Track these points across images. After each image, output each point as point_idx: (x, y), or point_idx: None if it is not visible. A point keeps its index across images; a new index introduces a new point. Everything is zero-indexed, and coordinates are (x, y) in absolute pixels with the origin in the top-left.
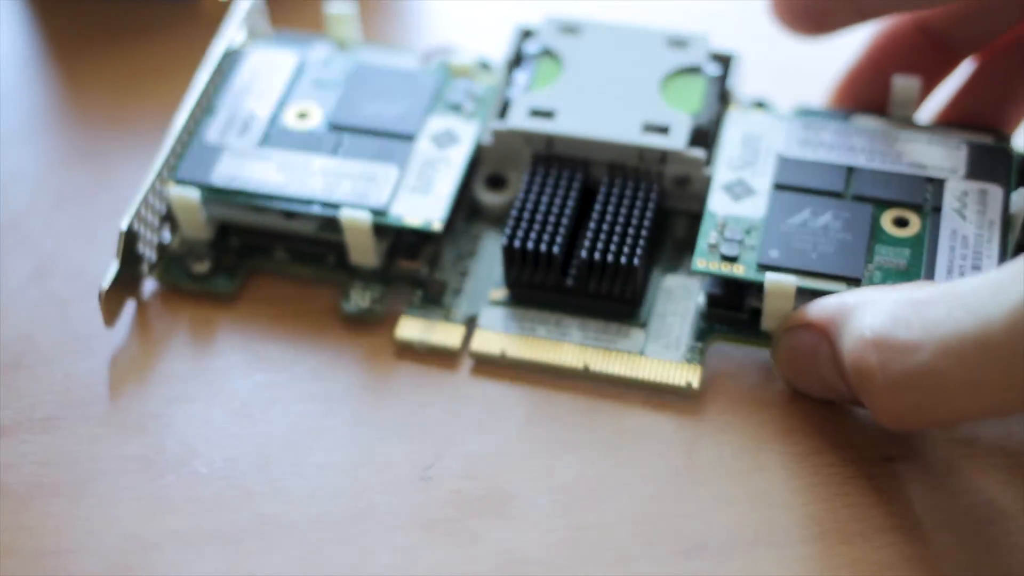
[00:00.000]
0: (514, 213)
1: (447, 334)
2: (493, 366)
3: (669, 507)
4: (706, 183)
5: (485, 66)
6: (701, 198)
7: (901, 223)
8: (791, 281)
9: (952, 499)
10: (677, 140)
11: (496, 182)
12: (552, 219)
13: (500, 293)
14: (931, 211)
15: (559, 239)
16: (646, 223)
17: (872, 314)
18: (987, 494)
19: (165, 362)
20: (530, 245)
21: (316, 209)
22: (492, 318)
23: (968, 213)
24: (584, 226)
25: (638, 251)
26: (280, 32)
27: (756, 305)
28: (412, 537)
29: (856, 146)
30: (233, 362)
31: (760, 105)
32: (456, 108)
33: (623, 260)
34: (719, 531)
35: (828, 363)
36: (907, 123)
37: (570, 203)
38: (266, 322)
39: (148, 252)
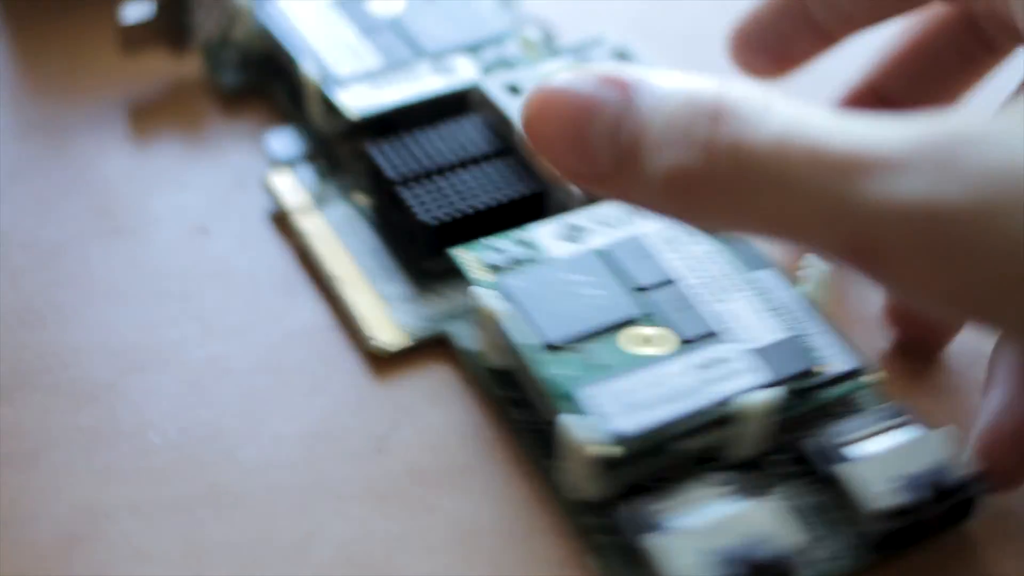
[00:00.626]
0: (405, 137)
1: (294, 198)
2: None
3: None
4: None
5: None
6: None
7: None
8: (496, 305)
9: None
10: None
11: None
12: (423, 157)
13: (363, 198)
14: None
15: (406, 170)
16: (485, 203)
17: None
18: None
19: (118, 333)
20: (379, 161)
21: None
22: (336, 210)
23: None
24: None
25: (443, 217)
26: None
27: None
28: (367, 508)
29: (705, 271)
30: (188, 333)
31: None
32: None
33: (424, 217)
34: None
35: (608, 128)
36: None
37: (449, 156)
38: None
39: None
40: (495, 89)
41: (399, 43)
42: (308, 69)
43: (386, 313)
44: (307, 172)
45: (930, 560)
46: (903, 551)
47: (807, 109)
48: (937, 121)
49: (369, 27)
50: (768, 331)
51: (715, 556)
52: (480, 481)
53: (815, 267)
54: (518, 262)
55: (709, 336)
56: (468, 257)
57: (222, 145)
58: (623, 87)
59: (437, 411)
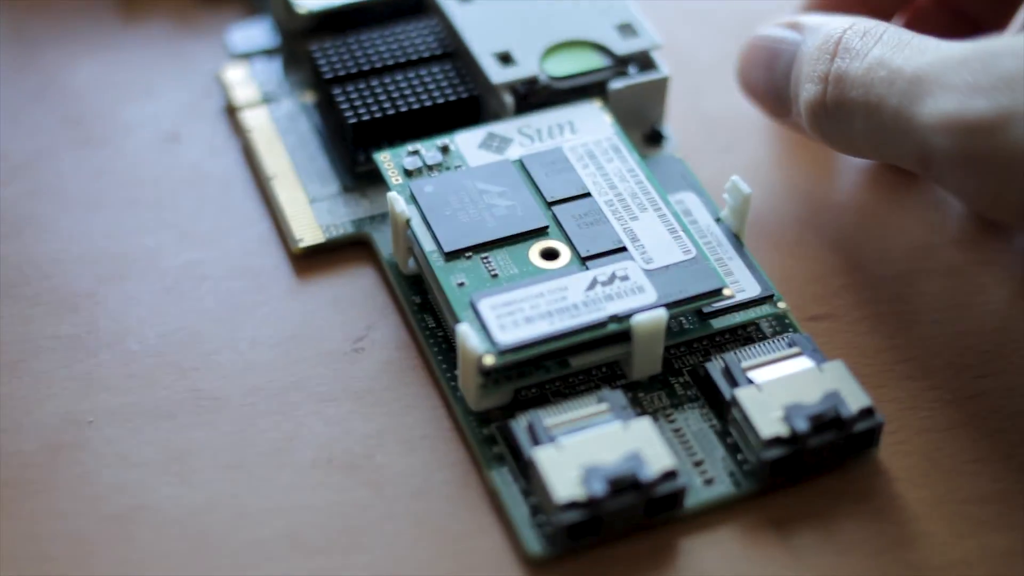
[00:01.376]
0: (349, 38)
1: (245, 93)
2: None
3: None
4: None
5: None
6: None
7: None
8: (403, 209)
9: (876, 356)
10: (502, 76)
11: None
12: (363, 58)
13: (311, 96)
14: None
15: (342, 71)
16: (415, 106)
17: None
18: (910, 351)
19: (94, 242)
20: (320, 61)
21: None
22: (283, 107)
23: None
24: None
25: (368, 116)
26: None
27: None
28: (344, 408)
29: (621, 187)
30: (164, 240)
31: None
32: None
33: (349, 116)
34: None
35: (786, 67)
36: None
37: (389, 58)
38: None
39: None
40: None
41: None
42: None
43: (310, 212)
44: (265, 67)
45: (826, 489)
46: (796, 481)
47: (899, 35)
48: (976, 41)
49: None
50: (675, 252)
51: (595, 473)
52: (392, 394)
53: (736, 193)
54: (433, 168)
55: (614, 252)
56: (387, 159)
57: (191, 50)
58: (800, 28)
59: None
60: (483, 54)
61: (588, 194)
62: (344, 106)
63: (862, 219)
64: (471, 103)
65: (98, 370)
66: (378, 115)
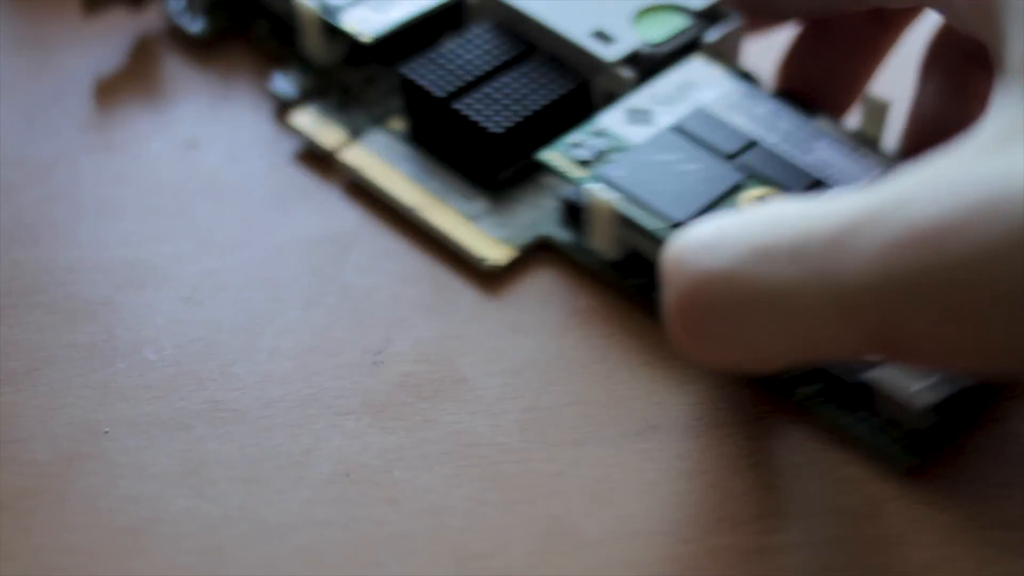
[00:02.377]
0: (431, 54)
1: (329, 135)
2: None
3: (620, 389)
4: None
5: None
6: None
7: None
8: (610, 196)
9: None
10: (613, 53)
11: None
12: (458, 70)
13: (398, 123)
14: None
15: (450, 87)
16: (540, 103)
17: None
18: None
19: (111, 250)
20: (422, 82)
21: None
22: (375, 140)
23: None
24: (483, 86)
25: (508, 124)
26: None
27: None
28: (363, 421)
29: (778, 128)
30: (182, 248)
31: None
32: None
33: (489, 126)
34: (670, 412)
35: None
36: (863, 138)
37: (483, 64)
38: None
39: None
40: None
41: None
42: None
43: (480, 230)
44: (319, 107)
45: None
46: (943, 448)
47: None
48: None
49: None
50: (863, 171)
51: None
52: (411, 409)
53: (869, 102)
54: (604, 153)
55: (817, 185)
56: (557, 158)
57: (212, 55)
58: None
59: (434, 321)
60: (581, 37)
61: (755, 143)
62: (477, 118)
63: None
64: (582, 90)
65: (114, 379)
66: (516, 119)
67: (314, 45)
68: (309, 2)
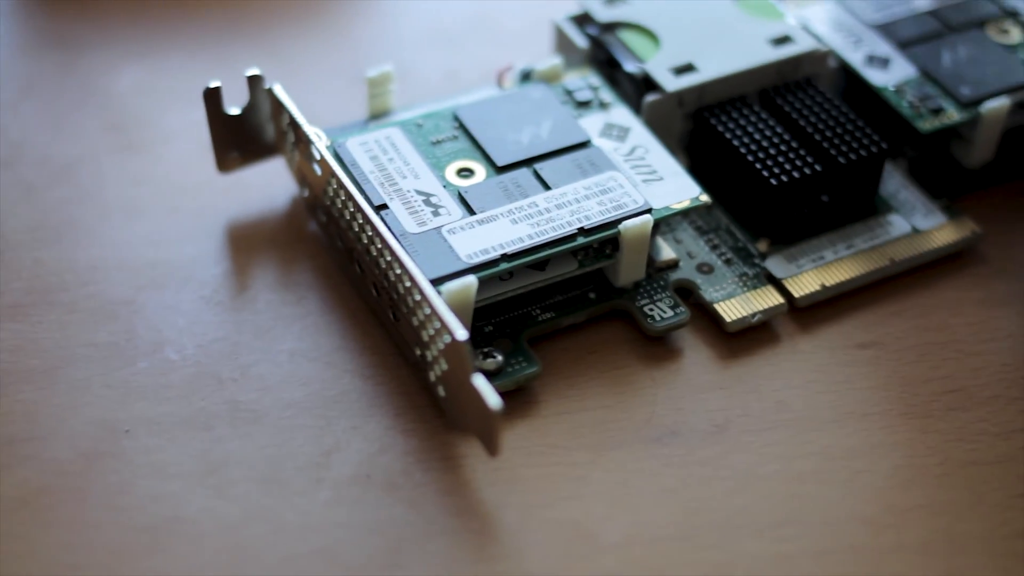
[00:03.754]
0: (749, 159)
1: (765, 299)
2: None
3: (641, 395)
4: (831, 76)
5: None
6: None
7: (1004, 31)
8: (1003, 102)
9: (922, 386)
10: (806, 42)
11: None
12: (782, 148)
13: (764, 244)
14: (1015, 15)
15: (809, 159)
16: (852, 113)
17: None
18: (957, 381)
19: (134, 249)
20: (795, 174)
21: (584, 239)
22: (779, 266)
23: None
24: (804, 142)
25: (875, 136)
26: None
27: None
28: (384, 423)
29: None
30: (204, 248)
31: None
32: (587, 104)
33: (873, 149)
34: (690, 418)
35: None
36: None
37: (778, 129)
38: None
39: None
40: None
41: (548, 166)
42: (629, 224)
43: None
44: None
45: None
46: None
47: None
48: None
49: (502, 189)
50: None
51: None
52: (432, 411)
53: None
54: None
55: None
56: None
57: (234, 57)
58: None
59: None
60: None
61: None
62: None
63: None
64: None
65: (135, 379)
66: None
67: (639, 264)
68: (635, 221)
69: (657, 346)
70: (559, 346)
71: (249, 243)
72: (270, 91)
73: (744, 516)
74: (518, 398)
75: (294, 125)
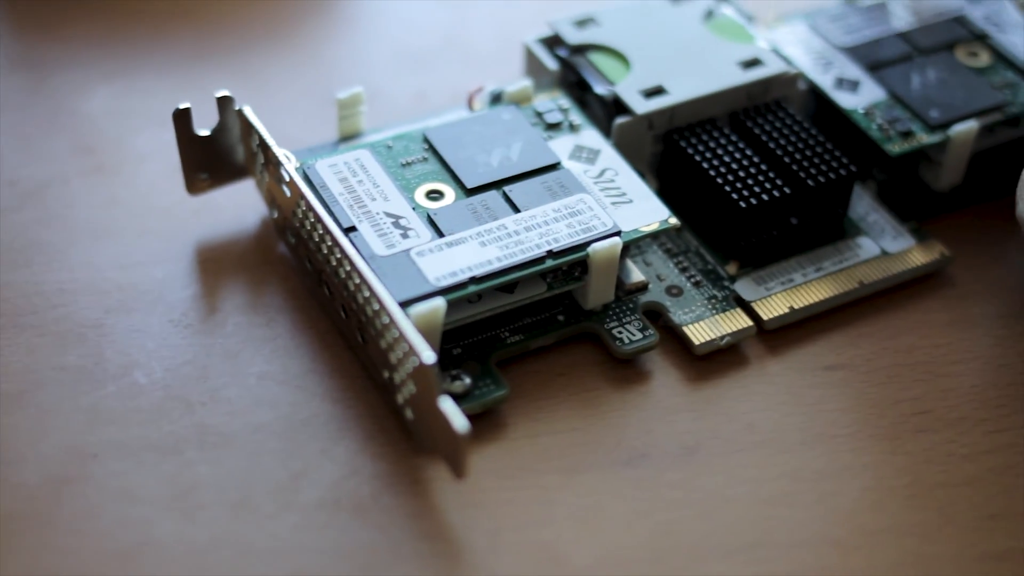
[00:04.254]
0: (718, 181)
1: (734, 321)
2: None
3: (611, 417)
4: (801, 98)
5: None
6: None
7: (973, 55)
8: (972, 125)
9: (891, 408)
10: (776, 65)
11: None
12: (751, 170)
13: (733, 266)
14: (983, 38)
15: (778, 181)
16: (821, 136)
17: None
18: (926, 403)
19: (102, 272)
20: (764, 197)
21: (553, 261)
22: (748, 289)
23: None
24: (773, 165)
25: (844, 159)
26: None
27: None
28: (353, 447)
29: (885, 18)
30: (173, 271)
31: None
32: (557, 127)
33: (842, 172)
34: (660, 440)
35: None
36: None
37: (748, 151)
38: (205, 228)
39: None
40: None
41: (517, 188)
42: (598, 247)
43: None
44: None
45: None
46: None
47: None
48: None
49: (471, 212)
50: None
51: None
52: (400, 434)
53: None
54: None
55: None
56: None
57: (205, 78)
58: None
59: None
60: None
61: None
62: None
63: None
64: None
65: (104, 402)
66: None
67: (608, 287)
68: (604, 244)
69: (626, 369)
70: (528, 369)
71: (219, 265)
72: (240, 112)
73: (714, 539)
74: (487, 421)
75: (263, 146)
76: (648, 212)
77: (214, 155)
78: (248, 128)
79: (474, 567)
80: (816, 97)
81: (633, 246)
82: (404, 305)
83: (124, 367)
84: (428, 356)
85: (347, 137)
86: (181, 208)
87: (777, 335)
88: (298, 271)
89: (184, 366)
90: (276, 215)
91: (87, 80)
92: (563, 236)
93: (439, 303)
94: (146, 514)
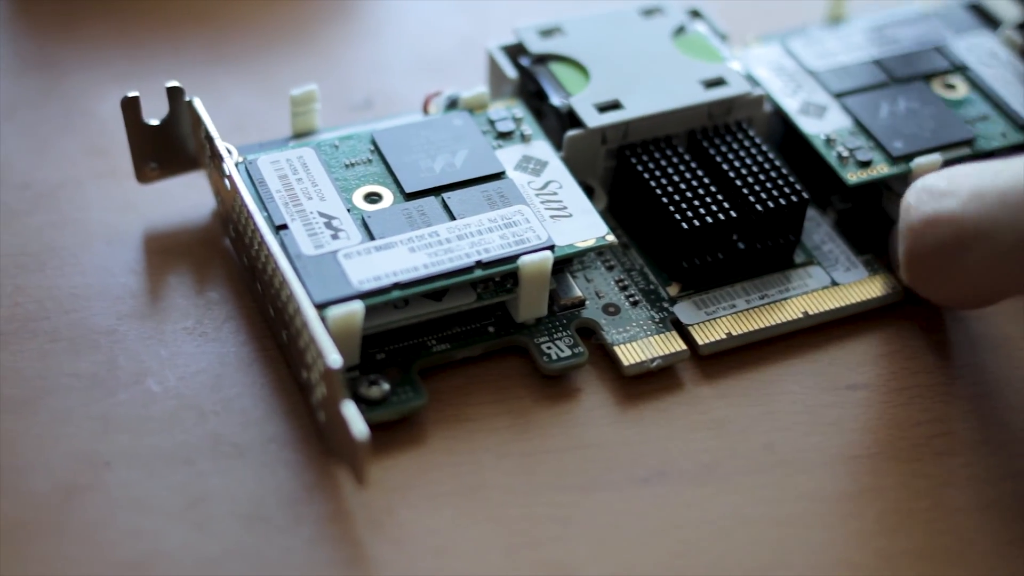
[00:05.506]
0: (664, 200)
1: (667, 344)
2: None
3: (629, 434)
4: (766, 121)
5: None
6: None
7: (950, 87)
8: (935, 159)
9: (912, 429)
10: (739, 85)
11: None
12: (699, 191)
13: (675, 288)
14: (963, 69)
15: (725, 204)
16: (778, 160)
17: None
18: (948, 424)
19: (116, 277)
20: (708, 219)
21: (482, 272)
22: (687, 312)
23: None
24: (723, 189)
25: (797, 186)
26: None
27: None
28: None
29: (862, 43)
30: (187, 278)
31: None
32: (508, 136)
33: (794, 199)
34: (678, 459)
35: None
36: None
37: (699, 172)
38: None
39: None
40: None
41: (457, 195)
42: (528, 260)
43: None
44: None
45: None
46: None
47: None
48: None
49: (406, 217)
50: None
51: None
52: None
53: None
54: None
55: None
56: None
57: (220, 82)
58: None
59: None
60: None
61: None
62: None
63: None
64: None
65: (116, 410)
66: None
67: (539, 301)
68: (534, 257)
69: (554, 385)
70: (454, 379)
71: (233, 271)
72: (189, 104)
73: (730, 560)
74: (405, 430)
75: (208, 139)
76: (586, 227)
77: (164, 145)
78: (198, 120)
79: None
80: (783, 121)
81: (576, 261)
82: (323, 306)
83: (137, 375)
84: (334, 360)
85: (301, 134)
86: (195, 212)
87: (713, 361)
88: (237, 266)
89: (198, 374)
90: (220, 208)
91: (101, 82)
92: (495, 247)
93: (357, 307)
94: (157, 524)
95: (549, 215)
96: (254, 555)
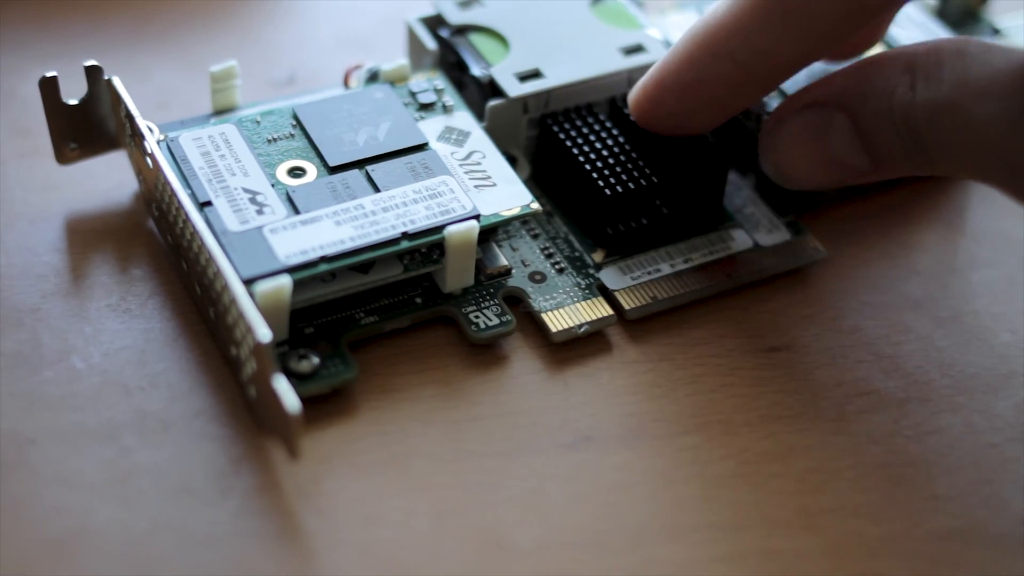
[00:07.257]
0: (586, 167)
1: (594, 310)
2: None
3: (554, 400)
4: None
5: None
6: None
7: None
8: None
9: (835, 389)
10: (658, 52)
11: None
12: (621, 158)
13: (600, 254)
14: None
15: (647, 170)
16: None
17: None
18: (869, 384)
19: (39, 256)
20: (631, 185)
21: (409, 243)
22: (612, 278)
23: None
24: (644, 155)
25: (718, 149)
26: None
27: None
28: None
29: None
30: (110, 256)
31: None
32: (430, 107)
33: (714, 163)
34: (605, 423)
35: (842, 135)
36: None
37: (620, 139)
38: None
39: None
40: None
41: (381, 167)
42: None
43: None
44: None
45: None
46: None
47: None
48: None
49: (331, 190)
50: None
51: None
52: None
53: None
54: None
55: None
56: None
57: (143, 61)
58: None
59: None
60: None
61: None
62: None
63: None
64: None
65: (41, 388)
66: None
67: (466, 271)
68: (461, 227)
69: (482, 354)
70: (383, 350)
71: (156, 249)
72: (109, 82)
73: (658, 521)
74: (333, 402)
75: (129, 118)
76: (511, 196)
77: (84, 125)
78: (118, 99)
79: (416, 551)
80: None
81: (501, 231)
82: (251, 282)
83: (61, 352)
84: (264, 334)
85: (221, 111)
86: (118, 192)
87: (640, 325)
88: (160, 245)
89: (123, 351)
90: (143, 187)
91: (23, 62)
92: (420, 218)
93: (285, 281)
94: (84, 500)
95: (473, 185)
96: (181, 529)
